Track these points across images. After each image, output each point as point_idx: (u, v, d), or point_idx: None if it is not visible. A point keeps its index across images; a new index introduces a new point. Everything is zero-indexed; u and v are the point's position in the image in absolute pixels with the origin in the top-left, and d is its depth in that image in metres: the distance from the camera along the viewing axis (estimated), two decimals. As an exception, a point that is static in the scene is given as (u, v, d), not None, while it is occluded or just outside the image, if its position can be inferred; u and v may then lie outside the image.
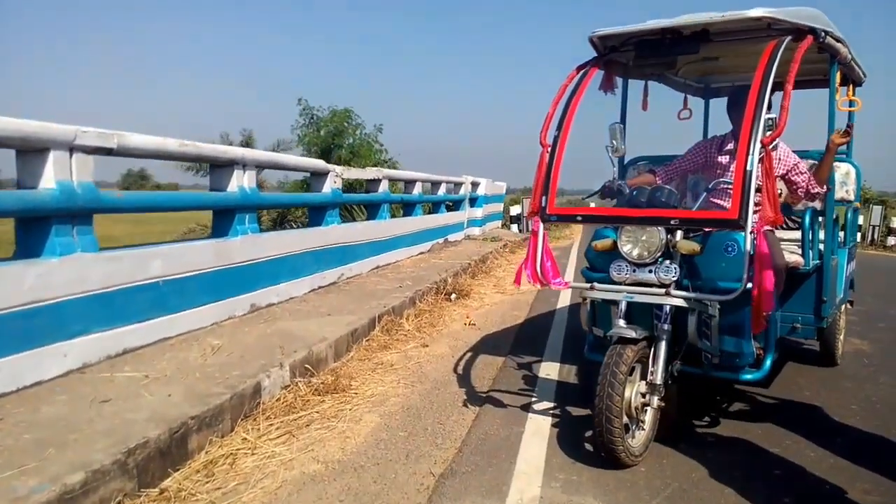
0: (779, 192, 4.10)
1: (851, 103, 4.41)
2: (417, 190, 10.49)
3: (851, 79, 4.43)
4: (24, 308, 3.36)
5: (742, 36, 3.51)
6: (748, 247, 2.83)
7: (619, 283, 3.26)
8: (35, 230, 3.54)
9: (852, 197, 4.73)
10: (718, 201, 3.71)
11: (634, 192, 3.36)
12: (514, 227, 18.82)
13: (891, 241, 17.27)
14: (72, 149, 3.67)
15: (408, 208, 10.32)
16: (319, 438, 3.47)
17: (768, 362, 3.36)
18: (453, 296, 7.55)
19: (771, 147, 2.97)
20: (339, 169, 7.26)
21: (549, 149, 3.43)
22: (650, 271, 3.17)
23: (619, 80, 4.22)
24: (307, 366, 4.29)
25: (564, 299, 7.39)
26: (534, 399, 4.07)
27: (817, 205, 4.07)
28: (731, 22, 3.28)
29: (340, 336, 4.93)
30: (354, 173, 7.93)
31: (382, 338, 5.51)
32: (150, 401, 3.31)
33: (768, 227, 3.65)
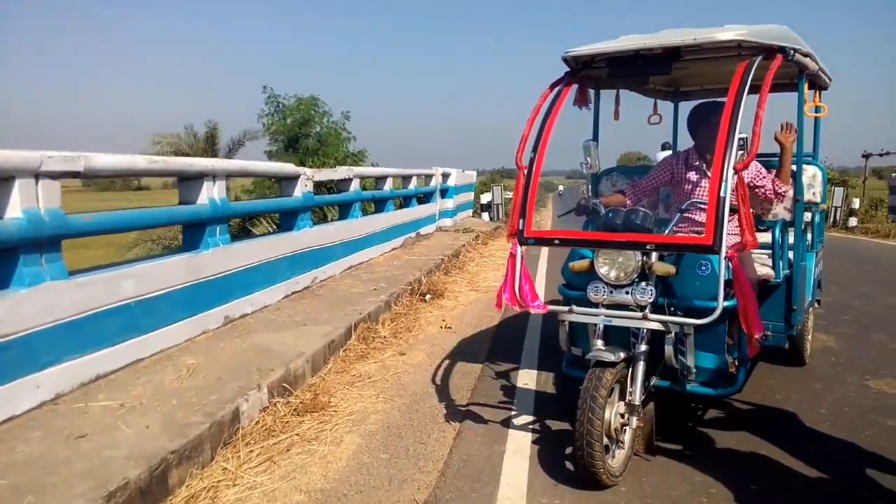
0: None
1: (818, 109, 4.48)
2: (388, 185, 10.44)
3: (818, 85, 4.50)
4: (-6, 343, 3.28)
5: (713, 54, 3.54)
6: (723, 271, 2.87)
7: (596, 304, 3.29)
8: (2, 262, 3.45)
9: (819, 199, 4.83)
10: (693, 216, 3.76)
11: (610, 214, 3.39)
12: (485, 216, 18.85)
13: (852, 221, 17.66)
14: (37, 175, 3.57)
15: (379, 204, 10.26)
16: (301, 465, 3.46)
17: (742, 376, 3.43)
18: (428, 296, 7.55)
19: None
20: (309, 171, 7.18)
21: (526, 170, 3.43)
22: (627, 292, 3.21)
23: (591, 93, 4.23)
24: (285, 385, 4.26)
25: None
26: (513, 413, 4.10)
27: (787, 215, 4.14)
28: (702, 43, 3.29)
29: (317, 349, 4.91)
30: (325, 174, 7.86)
31: (359, 347, 5.50)
32: (127, 434, 3.26)
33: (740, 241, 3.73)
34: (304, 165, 19.79)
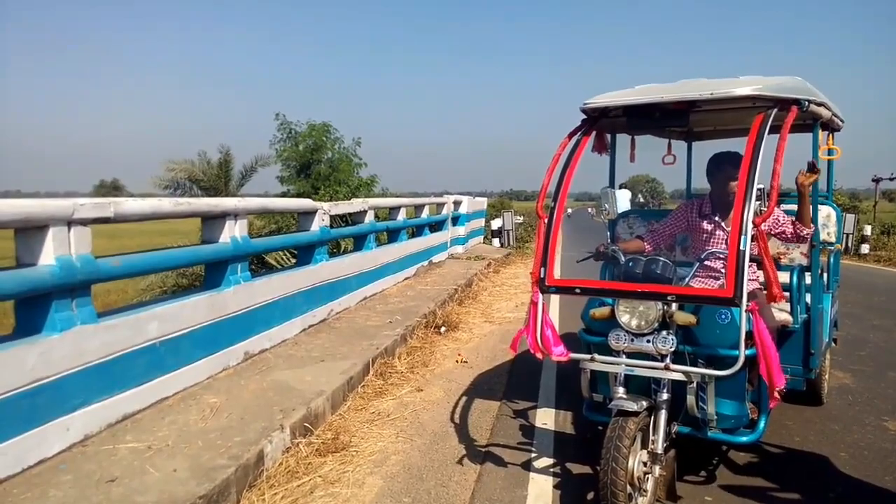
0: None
1: (831, 152, 4.55)
2: (402, 215, 10.54)
3: (831, 128, 4.57)
4: (27, 388, 3.35)
5: (729, 105, 3.62)
6: (744, 322, 2.92)
7: (617, 352, 3.33)
8: (36, 307, 3.54)
9: (834, 239, 4.88)
10: (712, 264, 3.82)
11: (630, 263, 3.45)
12: (496, 242, 18.92)
13: (864, 249, 17.63)
14: (70, 223, 3.67)
15: (392, 234, 10.35)
16: (325, 508, 3.51)
17: (762, 423, 3.46)
18: (443, 329, 7.60)
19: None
20: (326, 206, 7.28)
21: (546, 220, 3.51)
22: (648, 341, 3.25)
23: (607, 138, 4.31)
24: (306, 424, 4.32)
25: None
26: (533, 455, 4.13)
27: (803, 260, 4.19)
28: (719, 98, 3.37)
29: (337, 387, 4.96)
30: (342, 208, 7.96)
31: (377, 383, 5.55)
32: (156, 479, 3.32)
33: (758, 287, 3.78)
34: (315, 191, 20.02)
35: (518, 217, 24.38)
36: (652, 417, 3.22)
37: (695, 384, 3.15)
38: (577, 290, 3.38)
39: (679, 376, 3.11)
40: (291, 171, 22.95)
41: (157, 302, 4.62)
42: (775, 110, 3.37)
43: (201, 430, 4.00)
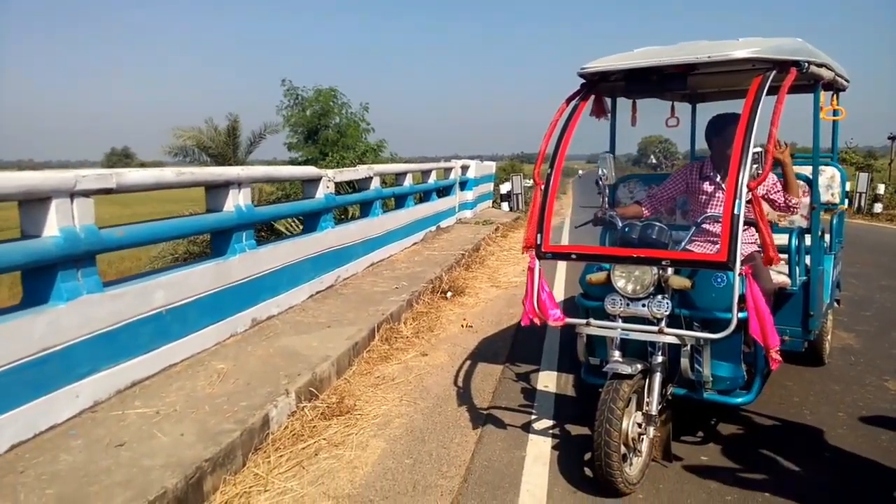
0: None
1: (836, 112, 4.50)
2: (408, 181, 10.54)
3: (835, 88, 4.52)
4: (36, 357, 3.44)
5: (728, 68, 3.58)
6: (737, 286, 2.94)
7: (614, 316, 3.37)
8: (42, 278, 3.61)
9: (837, 200, 4.85)
10: (710, 228, 3.82)
11: (626, 229, 3.46)
12: (505, 206, 18.88)
13: (877, 208, 17.46)
14: (72, 195, 3.72)
15: (399, 200, 10.37)
16: (329, 470, 3.60)
17: (757, 385, 3.50)
18: (449, 293, 7.66)
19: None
20: (331, 173, 7.30)
21: (543, 186, 3.51)
22: (643, 305, 3.28)
23: (607, 102, 4.28)
24: (312, 389, 4.41)
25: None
26: (533, 417, 4.21)
27: (803, 222, 4.18)
28: (717, 61, 3.34)
29: (342, 352, 5.04)
30: (346, 174, 7.97)
31: (382, 348, 5.64)
32: (164, 443, 3.41)
33: (756, 250, 3.78)
34: (323, 156, 19.98)
35: (528, 181, 24.29)
36: (647, 380, 3.27)
37: (689, 347, 3.19)
38: (573, 256, 3.41)
39: (673, 339, 3.15)
40: (299, 137, 22.88)
41: (162, 271, 4.70)
42: (774, 72, 3.34)
43: (208, 395, 4.09)
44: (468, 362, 5.40)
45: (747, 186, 2.94)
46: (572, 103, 3.75)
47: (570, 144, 3.59)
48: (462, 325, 6.53)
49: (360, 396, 4.63)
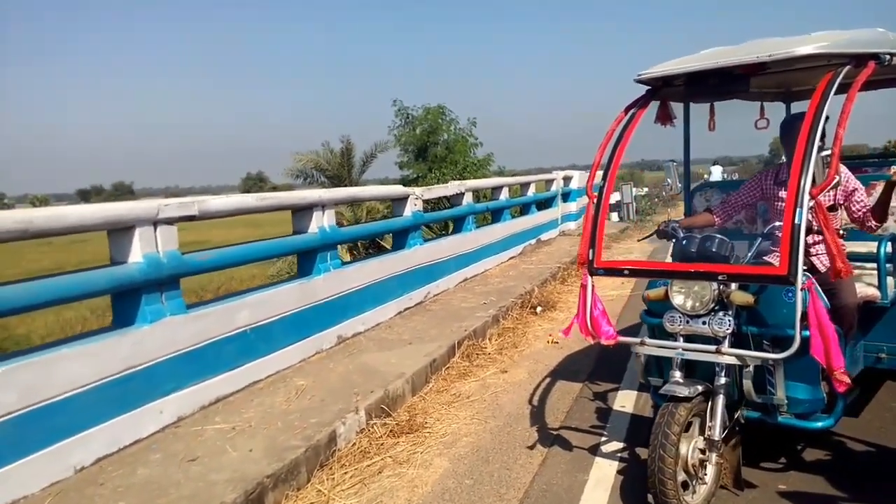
0: (845, 222, 3.86)
1: None
2: (504, 195, 10.52)
3: None
4: (122, 375, 3.72)
5: (798, 65, 3.34)
6: (799, 302, 2.71)
7: (674, 334, 3.21)
8: (127, 301, 3.91)
9: None
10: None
11: (684, 241, 3.29)
12: (615, 216, 18.42)
13: None
14: (155, 223, 4.00)
15: (495, 214, 10.37)
16: (389, 488, 3.64)
17: (840, 407, 3.21)
18: (539, 308, 7.56)
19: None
20: (418, 191, 7.42)
21: (595, 199, 3.41)
22: (704, 323, 3.11)
23: (671, 107, 4.07)
24: (383, 406, 4.48)
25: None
26: (603, 438, 4.07)
27: None
28: (779, 59, 3.11)
29: (418, 369, 5.10)
30: (435, 192, 8.08)
31: (462, 364, 5.64)
32: (232, 458, 3.59)
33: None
34: (431, 173, 20.37)
35: (641, 189, 23.58)
36: (710, 402, 3.08)
37: (751, 368, 2.97)
38: (626, 272, 3.28)
39: (732, 360, 2.95)
40: (409, 155, 23.49)
41: (247, 292, 4.95)
42: (848, 67, 3.08)
43: (284, 411, 4.26)
44: (547, 380, 5.30)
45: (809, 194, 2.72)
46: (631, 112, 3.62)
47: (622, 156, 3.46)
48: (548, 341, 6.42)
49: (432, 414, 4.66)
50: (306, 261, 5.62)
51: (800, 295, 2.70)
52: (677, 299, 3.17)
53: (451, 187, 8.49)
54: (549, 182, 13.39)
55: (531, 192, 12.03)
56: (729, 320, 3.05)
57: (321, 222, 5.64)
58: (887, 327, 3.65)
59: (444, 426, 4.46)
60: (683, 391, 2.98)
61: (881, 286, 3.50)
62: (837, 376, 2.73)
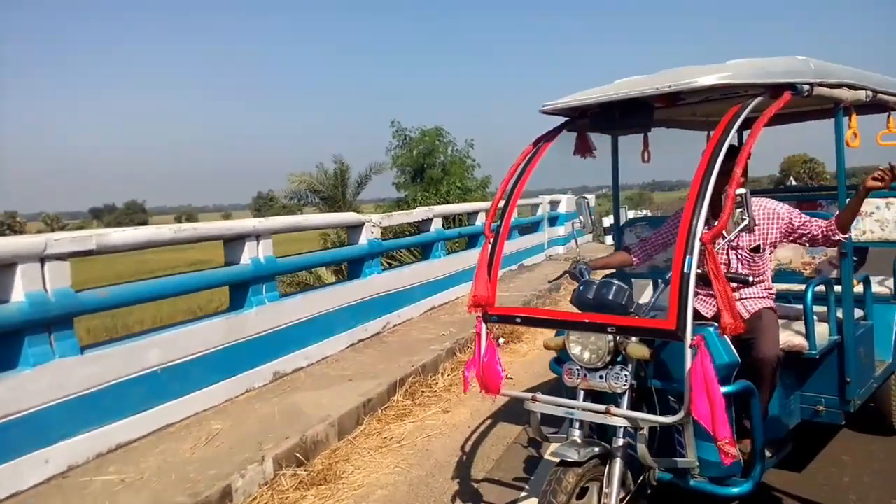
0: (777, 263, 3.58)
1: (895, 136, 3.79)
2: (480, 220, 10.25)
3: (889, 107, 3.80)
4: (-2, 423, 3.46)
5: (712, 95, 3.06)
6: (689, 361, 2.40)
7: (573, 388, 2.92)
8: (7, 344, 3.65)
9: None
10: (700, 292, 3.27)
11: (581, 288, 2.99)
12: (609, 239, 18.07)
13: None
14: (42, 259, 3.76)
15: (472, 239, 10.10)
16: (278, 551, 3.35)
17: (758, 470, 2.88)
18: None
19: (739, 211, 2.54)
20: (375, 218, 7.17)
21: (492, 240, 3.13)
22: (601, 377, 2.81)
23: (599, 139, 3.81)
24: (297, 454, 4.18)
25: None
26: (523, 494, 3.75)
27: (831, 271, 3.48)
28: (677, 91, 2.83)
29: (349, 410, 4.80)
30: (396, 219, 7.83)
31: (403, 404, 5.34)
32: (107, 517, 3.31)
33: (768, 307, 3.19)
34: (428, 194, 20.19)
35: (640, 211, 23.24)
36: (607, 466, 2.77)
37: (645, 431, 2.67)
38: (518, 320, 2.99)
39: (623, 422, 2.64)
40: (406, 176, 23.34)
41: (157, 330, 4.68)
42: (759, 99, 2.80)
43: (185, 460, 3.97)
44: (488, 422, 4.98)
45: (700, 240, 2.42)
46: (539, 144, 3.35)
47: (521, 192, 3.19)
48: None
49: (354, 461, 4.36)
50: (238, 294, 5.36)
51: (689, 353, 2.40)
52: (574, 350, 2.87)
53: (415, 213, 8.24)
54: (535, 207, 13.11)
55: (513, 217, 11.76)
56: (626, 375, 2.75)
57: (255, 253, 5.38)
58: (824, 378, 3.33)
59: (363, 476, 4.15)
60: (573, 455, 2.66)
61: (809, 335, 3.17)
62: (722, 447, 2.42)
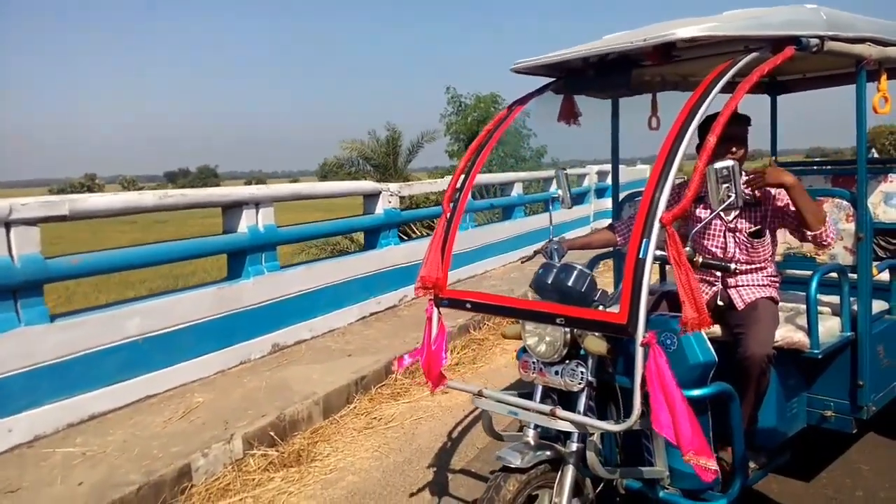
0: (787, 247, 3.14)
1: None
2: (517, 191, 9.85)
3: None
4: (-47, 391, 3.39)
5: (710, 52, 2.62)
6: (640, 360, 2.05)
7: (531, 382, 2.60)
8: (-31, 310, 3.57)
9: None
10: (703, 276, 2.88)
11: (541, 271, 2.65)
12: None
13: None
14: (8, 224, 3.64)
15: (506, 211, 9.74)
16: (226, 538, 3.18)
17: (738, 486, 2.52)
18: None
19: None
20: (393, 187, 6.88)
21: (449, 214, 2.81)
22: (557, 373, 2.48)
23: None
24: (272, 433, 4.00)
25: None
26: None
27: (847, 257, 3.01)
28: (654, 45, 2.42)
29: (337, 388, 4.60)
30: (418, 188, 7.53)
31: (401, 382, 5.10)
32: (53, 493, 3.19)
33: (768, 297, 2.80)
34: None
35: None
36: (559, 473, 2.46)
37: (595, 437, 2.34)
38: (468, 305, 2.67)
39: (568, 426, 2.31)
40: (460, 144, 22.96)
41: (139, 299, 4.56)
42: (754, 55, 2.37)
43: (154, 434, 3.85)
44: (485, 406, 4.70)
45: (660, 221, 2.05)
46: (512, 108, 2.99)
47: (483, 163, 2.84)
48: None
49: (334, 442, 4.16)
50: (235, 263, 5.20)
51: (639, 352, 2.04)
52: (529, 341, 2.55)
53: (439, 183, 7.92)
54: (581, 178, 12.59)
55: (553, 188, 11.30)
56: (582, 372, 2.42)
57: (253, 221, 5.20)
58: (834, 379, 2.90)
59: (337, 459, 3.95)
60: (515, 460, 2.36)
61: (811, 331, 2.73)
62: (689, 458, 2.06)
